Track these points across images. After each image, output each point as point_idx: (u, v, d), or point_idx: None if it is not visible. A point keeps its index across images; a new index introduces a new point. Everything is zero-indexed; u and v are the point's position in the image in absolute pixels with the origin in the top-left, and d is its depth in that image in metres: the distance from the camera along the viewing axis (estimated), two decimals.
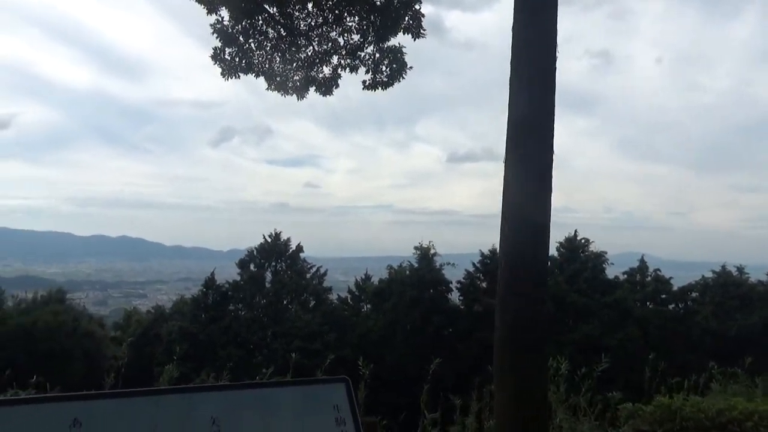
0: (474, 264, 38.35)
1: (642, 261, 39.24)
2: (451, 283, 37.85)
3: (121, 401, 1.82)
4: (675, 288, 37.94)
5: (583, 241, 39.23)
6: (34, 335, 33.62)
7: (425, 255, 37.39)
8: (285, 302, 40.15)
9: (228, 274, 41.95)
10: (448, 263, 38.23)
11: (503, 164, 4.27)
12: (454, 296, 38.64)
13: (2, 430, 1.61)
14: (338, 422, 2.00)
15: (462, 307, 37.33)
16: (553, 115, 4.11)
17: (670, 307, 37.18)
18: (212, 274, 39.47)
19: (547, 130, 4.08)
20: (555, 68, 4.08)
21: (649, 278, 38.42)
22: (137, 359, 34.51)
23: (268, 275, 40.69)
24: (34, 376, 5.51)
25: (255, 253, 41.20)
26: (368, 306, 40.59)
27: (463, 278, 38.33)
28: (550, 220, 4.14)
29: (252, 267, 40.97)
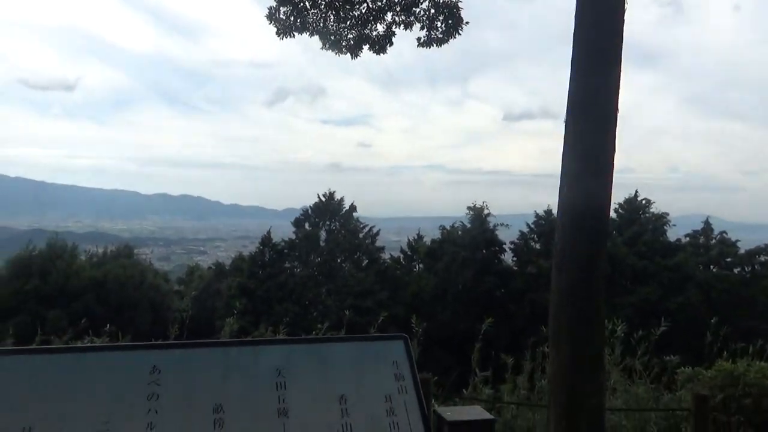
0: (528, 225, 37.87)
1: (706, 223, 37.72)
2: (505, 244, 37.55)
3: (194, 351, 1.94)
4: (742, 251, 36.38)
5: (643, 202, 37.97)
6: (106, 287, 35.64)
7: (478, 215, 37.12)
8: (339, 261, 40.89)
9: (283, 232, 42.94)
10: (502, 224, 37.87)
11: (563, 122, 4.16)
12: (508, 257, 38.35)
13: (92, 373, 1.75)
14: (397, 378, 2.07)
15: (515, 268, 37.08)
16: (620, 67, 3.95)
17: (736, 271, 35.76)
18: (268, 232, 40.48)
19: (612, 84, 3.93)
20: (624, 11, 3.90)
21: (714, 241, 36.96)
22: (199, 312, 36.16)
23: (323, 234, 41.42)
24: (107, 325, 5.84)
25: (310, 212, 41.90)
26: (420, 266, 40.84)
27: (517, 239, 37.94)
28: (612, 180, 4.03)
29: (307, 226, 41.76)
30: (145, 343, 1.94)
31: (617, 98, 4.00)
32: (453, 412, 1.98)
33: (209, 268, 47.11)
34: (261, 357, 2.01)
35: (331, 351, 2.10)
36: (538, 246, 37.22)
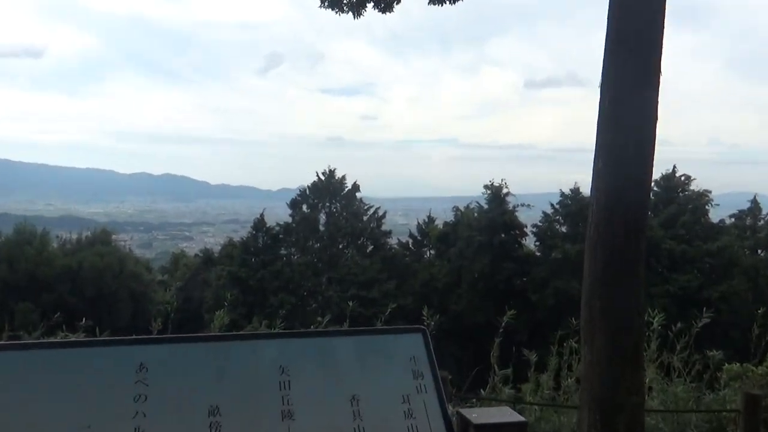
0: (552, 205, 37.77)
1: (754, 202, 37.52)
2: (526, 226, 37.52)
3: (185, 346, 1.93)
4: None
5: (682, 178, 37.77)
6: (81, 277, 35.92)
7: (496, 195, 37.05)
8: (340, 246, 41.03)
9: (278, 215, 43.07)
10: (523, 204, 37.79)
11: (597, 87, 4.09)
12: (529, 241, 38.33)
13: (70, 372, 1.73)
14: (415, 375, 2.04)
15: (538, 253, 37.08)
16: (663, 25, 3.88)
17: None
18: (261, 215, 40.62)
19: (653, 45, 3.86)
20: None
21: (762, 222, 36.80)
22: (185, 304, 36.43)
23: (322, 217, 41.52)
24: (83, 319, 5.85)
25: (307, 192, 41.96)
26: (431, 252, 40.91)
27: (540, 221, 37.88)
28: (654, 151, 3.98)
29: (304, 208, 41.86)
30: (129, 337, 1.92)
31: (660, 57, 3.93)
32: (480, 414, 1.95)
33: (196, 255, 47.42)
34: (261, 353, 1.99)
35: (339, 346, 2.08)
36: (563, 229, 37.15)
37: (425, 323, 6.88)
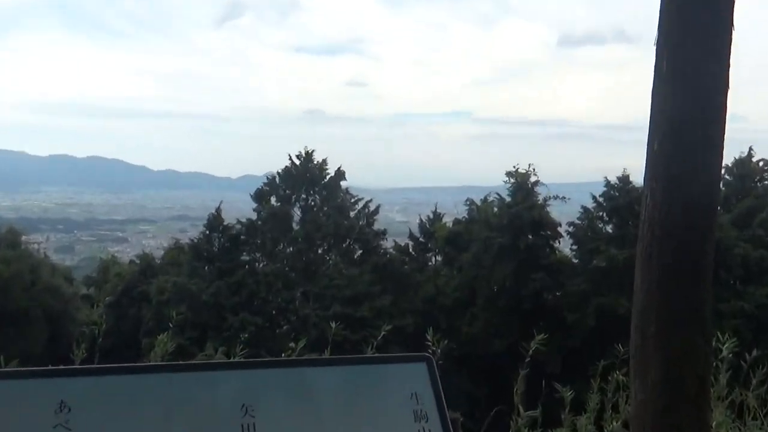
0: (594, 198, 37.83)
1: None
2: (560, 225, 37.57)
3: (117, 379, 1.91)
4: None
5: (761, 164, 37.88)
6: None
7: (522, 184, 37.08)
8: (320, 250, 40.98)
9: (240, 210, 43.11)
10: (556, 196, 37.83)
11: (653, 46, 4.09)
12: (565, 245, 38.34)
13: None
14: (418, 417, 2.04)
15: (575, 260, 37.13)
16: None
17: None
18: (218, 210, 40.54)
19: None
20: None
21: None
22: (118, 325, 36.29)
23: (297, 212, 41.49)
24: None
25: (277, 180, 41.90)
26: (438, 258, 40.86)
27: (578, 218, 37.94)
28: (725, 129, 3.98)
29: (273, 201, 41.77)
30: (45, 368, 1.91)
31: (732, 8, 3.94)
32: None
33: (131, 261, 47.24)
34: (217, 388, 1.98)
35: (319, 379, 2.07)
36: (608, 228, 37.20)
37: (430, 350, 6.89)
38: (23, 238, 42.92)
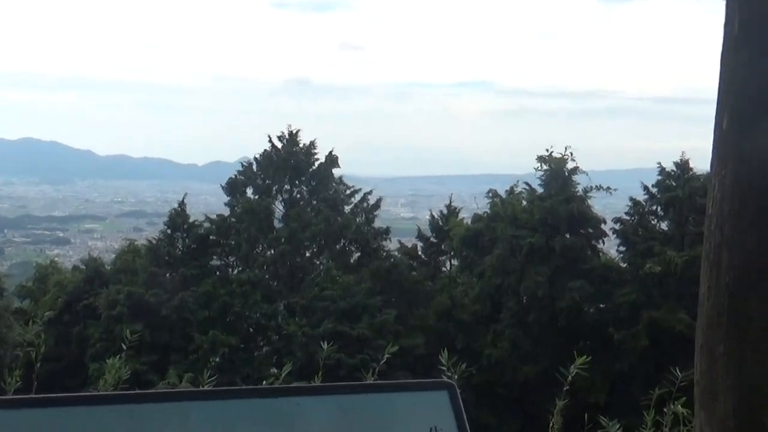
0: (646, 188, 37.82)
1: None
2: (605, 221, 37.58)
3: (59, 412, 1.92)
4: None
5: None
6: None
7: (557, 172, 37.08)
8: (308, 254, 40.98)
9: (208, 204, 43.26)
10: (599, 186, 37.83)
11: (722, 1, 4.09)
12: (610, 245, 38.31)
13: None
14: None
15: (623, 264, 37.13)
16: None
17: None
18: (181, 204, 40.59)
19: None
20: None
21: None
22: (60, 346, 36.36)
23: (278, 207, 41.48)
24: None
25: (255, 168, 41.91)
26: (454, 261, 40.85)
27: (626, 213, 37.95)
28: None
29: (249, 193, 41.76)
30: None
31: None
32: None
33: (75, 268, 47.25)
34: (184, 424, 1.99)
35: (312, 412, 2.07)
36: (663, 226, 37.18)
37: (445, 376, 6.92)
38: None
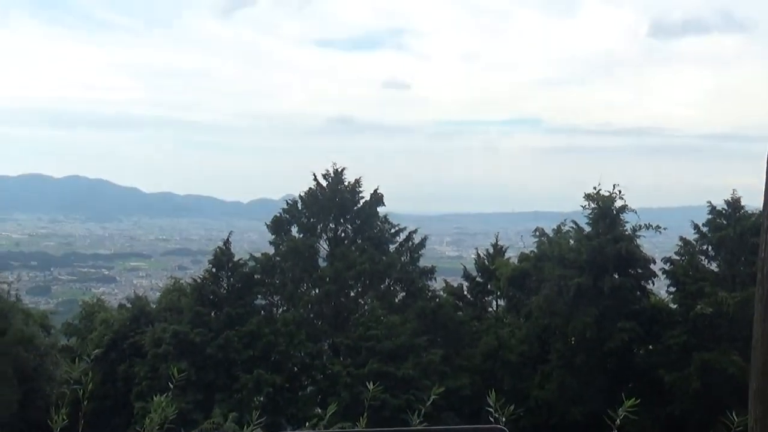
0: (697, 226, 37.46)
1: None
2: (654, 261, 37.23)
3: None
4: None
5: None
6: None
7: (605, 210, 36.85)
8: (353, 293, 40.94)
9: (253, 242, 43.50)
10: (648, 225, 37.52)
11: None
12: (660, 286, 37.88)
13: None
14: None
15: (673, 305, 36.69)
16: None
17: None
18: (226, 242, 40.74)
19: None
20: None
21: None
22: (106, 385, 36.61)
23: (323, 246, 41.55)
24: None
25: (299, 206, 42.03)
26: (500, 302, 40.61)
27: (676, 253, 37.57)
28: None
29: (294, 231, 41.91)
30: None
31: None
32: None
33: (121, 306, 47.58)
34: None
35: None
36: (714, 265, 36.76)
37: (491, 417, 6.92)
38: None
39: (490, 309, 40.71)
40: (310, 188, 41.86)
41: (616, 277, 35.97)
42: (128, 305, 45.33)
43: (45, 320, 44.24)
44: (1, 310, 39.34)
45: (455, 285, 41.89)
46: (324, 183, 41.74)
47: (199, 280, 40.65)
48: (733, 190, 36.96)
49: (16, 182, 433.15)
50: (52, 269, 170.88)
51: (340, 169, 41.98)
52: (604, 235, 36.03)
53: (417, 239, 42.04)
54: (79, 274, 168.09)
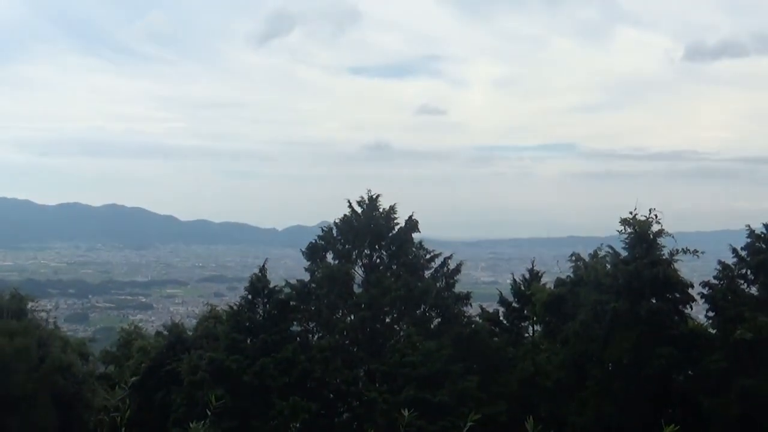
0: (735, 250, 37.14)
1: None
2: (692, 286, 36.89)
3: None
4: None
5: None
6: None
7: (642, 235, 36.62)
8: (388, 320, 40.93)
9: (289, 269, 43.73)
10: (686, 250, 37.24)
11: None
12: (699, 311, 37.51)
13: None
14: None
15: (712, 330, 36.33)
16: None
17: None
18: (262, 269, 40.99)
19: None
20: None
21: None
22: (143, 411, 36.76)
23: (359, 272, 41.61)
24: None
25: (334, 233, 42.19)
26: (536, 327, 40.41)
27: (715, 277, 37.21)
28: None
29: (330, 258, 42.04)
30: None
31: None
32: None
33: (158, 333, 47.95)
34: None
35: None
36: (753, 290, 36.37)
37: None
38: (29, 305, 43.77)
39: (527, 335, 40.54)
40: (345, 215, 42.04)
41: (654, 301, 35.67)
42: (165, 332, 45.68)
43: (83, 348, 44.62)
44: (39, 337, 39.72)
45: (491, 311, 41.79)
46: (359, 209, 41.92)
47: (234, 307, 40.90)
48: None
49: (56, 211, 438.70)
50: (90, 297, 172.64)
51: (374, 196, 42.20)
52: (641, 260, 35.78)
53: (452, 265, 42.09)
54: (117, 301, 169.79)
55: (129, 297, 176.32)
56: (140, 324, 60.91)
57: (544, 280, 41.38)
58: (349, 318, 40.65)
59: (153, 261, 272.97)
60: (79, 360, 41.43)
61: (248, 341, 38.96)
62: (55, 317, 51.75)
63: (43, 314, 45.19)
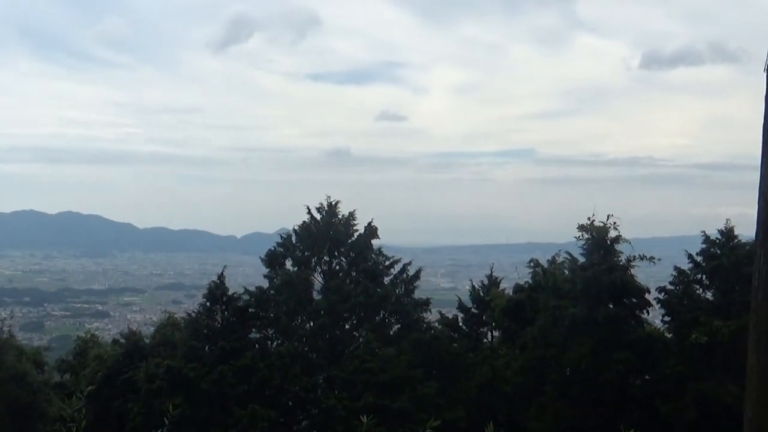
0: (691, 256, 37.50)
1: None
2: (648, 291, 37.19)
3: None
4: None
5: None
6: None
7: (599, 241, 36.88)
8: (347, 326, 40.86)
9: (247, 276, 43.50)
10: (642, 255, 37.53)
11: (764, 70, 4.14)
12: (655, 316, 37.80)
13: None
14: None
15: (669, 335, 36.65)
16: None
17: None
18: (220, 275, 40.77)
19: None
20: None
21: None
22: (100, 421, 36.36)
23: (318, 279, 41.53)
24: None
25: (293, 239, 42.09)
26: (495, 333, 40.51)
27: (671, 282, 37.56)
28: None
29: (289, 264, 41.93)
30: None
31: None
32: None
33: (115, 341, 47.49)
34: None
35: None
36: (708, 294, 36.74)
37: None
38: None
39: (486, 340, 40.65)
40: (304, 222, 41.97)
41: (611, 307, 35.94)
42: (122, 340, 45.23)
43: (38, 356, 44.06)
44: None
45: (450, 316, 41.86)
46: (318, 216, 41.87)
47: (193, 315, 40.64)
48: (727, 219, 37.10)
49: (10, 219, 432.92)
50: (45, 305, 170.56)
51: (334, 202, 42.20)
52: (599, 266, 36.01)
53: (412, 271, 42.10)
54: (73, 309, 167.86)
55: (85, 305, 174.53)
56: (97, 332, 60.30)
57: (502, 286, 41.55)
58: (308, 325, 40.57)
59: (110, 269, 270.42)
60: (35, 369, 40.89)
61: (206, 349, 38.72)
62: (10, 326, 50.97)
63: None
